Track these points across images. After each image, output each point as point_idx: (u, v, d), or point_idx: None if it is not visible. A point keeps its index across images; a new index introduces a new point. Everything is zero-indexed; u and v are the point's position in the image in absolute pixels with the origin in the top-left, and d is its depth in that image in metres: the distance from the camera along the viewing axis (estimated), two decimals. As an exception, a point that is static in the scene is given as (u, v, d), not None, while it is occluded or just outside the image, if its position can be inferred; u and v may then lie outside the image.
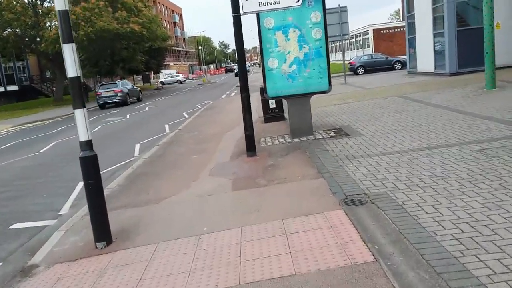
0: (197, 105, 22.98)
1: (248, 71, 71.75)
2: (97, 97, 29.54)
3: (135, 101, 31.80)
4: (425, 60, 20.12)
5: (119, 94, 29.06)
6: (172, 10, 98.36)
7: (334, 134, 9.01)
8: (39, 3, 35.42)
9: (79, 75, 4.36)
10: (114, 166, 9.45)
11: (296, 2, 7.66)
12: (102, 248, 4.76)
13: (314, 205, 4.93)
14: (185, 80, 68.09)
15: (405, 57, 29.09)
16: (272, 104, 11.96)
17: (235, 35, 7.76)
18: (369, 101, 13.61)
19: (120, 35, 33.32)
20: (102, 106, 29.28)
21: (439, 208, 4.29)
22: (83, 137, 4.55)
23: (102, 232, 4.79)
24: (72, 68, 4.33)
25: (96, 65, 44.83)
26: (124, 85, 31.00)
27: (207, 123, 14.10)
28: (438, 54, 18.84)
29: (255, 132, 8.40)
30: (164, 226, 5.12)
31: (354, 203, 4.78)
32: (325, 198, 5.11)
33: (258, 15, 8.52)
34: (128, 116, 21.43)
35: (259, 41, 8.72)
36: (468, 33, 17.48)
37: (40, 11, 33.91)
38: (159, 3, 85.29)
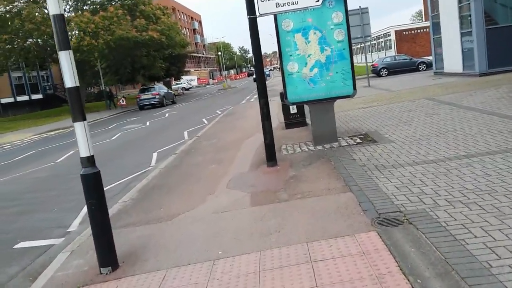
0: (217, 111, 22.61)
1: (268, 75, 71.72)
2: (137, 99, 33.47)
3: (170, 103, 35.17)
4: (452, 60, 19.26)
5: (157, 97, 33.04)
6: (192, 17, 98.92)
7: (361, 141, 8.41)
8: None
9: (77, 84, 3.93)
10: (130, 177, 9.08)
11: (316, 1, 7.14)
12: (106, 274, 4.31)
13: (343, 225, 4.37)
14: (190, 87, 68.30)
15: (430, 58, 28.24)
16: (293, 109, 11.42)
17: (251, 38, 7.28)
18: (396, 104, 12.93)
19: (139, 42, 33.29)
20: (142, 108, 32.99)
21: (489, 230, 3.69)
22: (84, 153, 4.11)
23: (107, 256, 4.34)
24: (69, 78, 3.91)
25: (117, 72, 45.13)
26: (161, 89, 35.33)
27: (226, 130, 13.65)
28: (467, 54, 17.97)
29: (275, 139, 7.88)
30: (175, 248, 4.63)
31: (389, 223, 4.20)
32: (354, 217, 4.54)
33: (275, 17, 8.04)
34: (148, 123, 21.21)
35: (278, 45, 8.21)
36: (498, 31, 16.64)
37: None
38: (178, 11, 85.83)
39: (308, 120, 10.97)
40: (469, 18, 17.42)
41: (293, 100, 8.45)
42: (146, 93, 33.38)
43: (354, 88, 8.31)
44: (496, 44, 16.47)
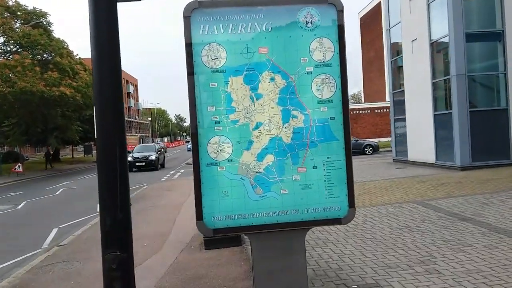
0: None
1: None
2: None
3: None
4: (420, 147, 15.86)
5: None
6: (127, 81, 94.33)
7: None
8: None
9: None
10: None
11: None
12: None
13: None
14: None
15: (375, 140, 26.99)
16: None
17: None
18: (377, 211, 8.65)
19: (47, 99, 27.74)
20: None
21: None
22: None
23: None
24: None
25: (26, 132, 38.55)
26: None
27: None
28: (442, 141, 14.60)
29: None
30: None
31: None
32: None
33: (190, 44, 3.60)
34: (22, 204, 15.34)
35: (189, 97, 3.68)
36: (482, 115, 13.46)
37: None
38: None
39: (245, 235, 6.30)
40: (445, 97, 14.27)
41: (217, 225, 3.75)
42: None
43: (351, 203, 3.83)
44: (481, 131, 13.20)
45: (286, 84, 3.75)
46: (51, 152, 42.62)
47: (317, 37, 3.77)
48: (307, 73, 3.77)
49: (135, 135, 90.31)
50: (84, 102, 31.81)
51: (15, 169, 30.40)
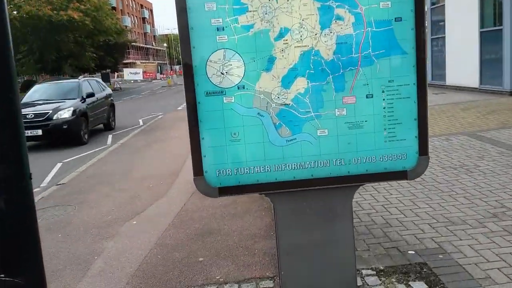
0: (140, 120, 16.39)
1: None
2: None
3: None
4: (462, 69, 14.12)
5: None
6: (141, 5, 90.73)
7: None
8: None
9: None
10: None
11: None
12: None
13: None
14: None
15: None
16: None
17: None
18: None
19: (56, 24, 26.23)
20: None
21: None
22: None
23: None
24: None
25: (41, 60, 37.44)
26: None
27: (118, 177, 7.59)
28: (489, 63, 12.85)
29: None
30: None
31: None
32: None
33: None
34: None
35: (176, -14, 2.36)
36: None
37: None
38: (126, -5, 77.85)
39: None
40: (494, 12, 12.33)
41: (225, 182, 2.57)
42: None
43: (422, 149, 2.57)
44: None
45: (326, -35, 2.37)
46: None
47: None
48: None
49: (152, 62, 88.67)
50: (95, 27, 30.16)
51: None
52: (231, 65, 2.43)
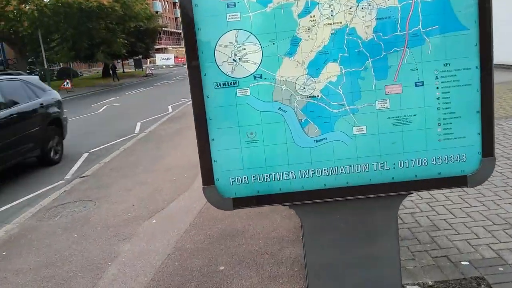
0: (169, 106, 16.16)
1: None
2: None
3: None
4: (510, 46, 13.04)
5: None
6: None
7: None
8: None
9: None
10: None
11: None
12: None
13: None
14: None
15: None
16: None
17: None
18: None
19: (86, 11, 26.29)
20: None
21: None
22: None
23: None
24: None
25: (74, 47, 37.92)
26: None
27: (141, 169, 7.30)
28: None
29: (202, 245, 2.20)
30: None
31: None
32: None
33: None
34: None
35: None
36: None
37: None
38: (156, -20, 77.76)
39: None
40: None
41: (240, 192, 2.14)
42: None
43: (487, 149, 2.06)
44: None
45: None
46: (116, 66, 42.56)
47: None
48: None
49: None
50: (125, 13, 30.09)
51: (64, 86, 30.16)
52: (245, 49, 1.98)
